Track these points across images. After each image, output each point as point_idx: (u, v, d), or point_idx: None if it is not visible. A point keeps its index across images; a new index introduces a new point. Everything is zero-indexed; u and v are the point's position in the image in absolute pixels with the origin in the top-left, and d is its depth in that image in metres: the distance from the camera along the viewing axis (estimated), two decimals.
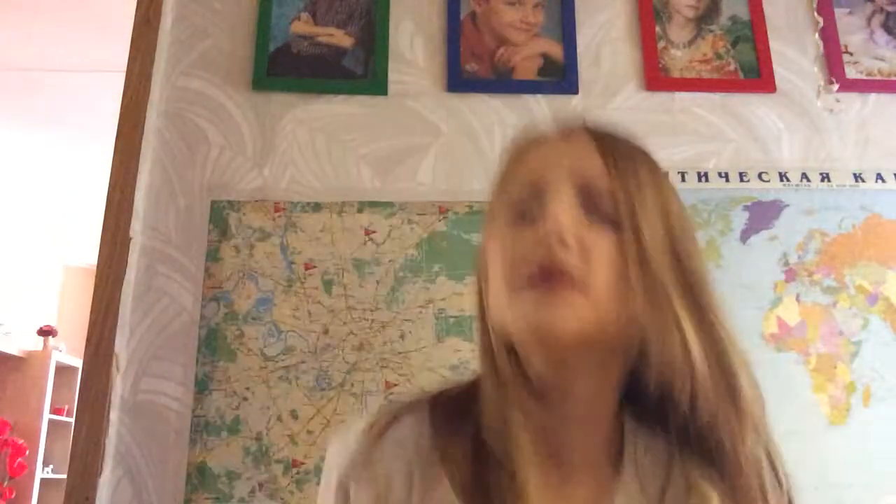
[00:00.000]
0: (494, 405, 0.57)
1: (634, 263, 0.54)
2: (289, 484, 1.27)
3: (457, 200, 1.45)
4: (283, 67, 1.54)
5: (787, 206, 1.51)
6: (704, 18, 1.65)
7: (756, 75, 1.60)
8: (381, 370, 1.34)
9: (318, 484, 0.67)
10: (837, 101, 1.61)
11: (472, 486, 0.56)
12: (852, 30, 1.67)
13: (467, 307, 1.36)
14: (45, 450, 4.01)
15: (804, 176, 1.53)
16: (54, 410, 4.10)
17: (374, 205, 1.45)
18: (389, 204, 1.45)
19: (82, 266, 4.82)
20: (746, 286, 1.45)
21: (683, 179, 1.51)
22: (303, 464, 1.28)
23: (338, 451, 0.64)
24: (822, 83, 1.62)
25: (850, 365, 1.41)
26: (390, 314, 1.37)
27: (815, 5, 1.67)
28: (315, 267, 1.40)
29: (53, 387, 4.08)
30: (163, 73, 1.52)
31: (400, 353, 1.35)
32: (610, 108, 1.55)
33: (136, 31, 1.52)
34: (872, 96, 1.62)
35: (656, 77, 1.58)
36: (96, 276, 1.37)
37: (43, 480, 3.96)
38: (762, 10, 1.65)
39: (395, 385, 1.33)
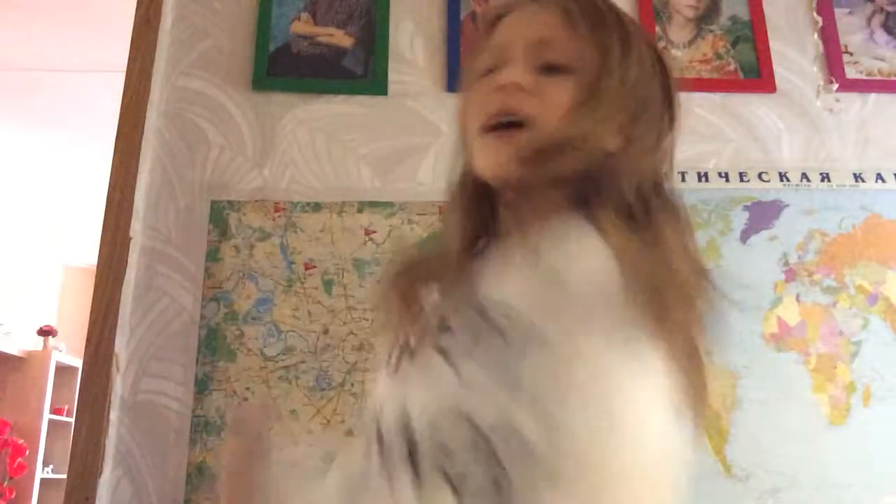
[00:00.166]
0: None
1: (586, 93, 0.60)
2: None
3: None
4: (283, 67, 1.54)
5: (787, 206, 1.51)
6: (704, 18, 1.65)
7: (756, 75, 1.60)
8: None
9: None
10: (837, 101, 1.61)
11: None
12: (852, 30, 1.67)
13: None
14: (45, 450, 4.01)
15: (804, 176, 1.53)
16: (54, 410, 4.10)
17: (374, 205, 1.45)
18: (389, 204, 1.45)
19: (82, 266, 4.82)
20: (746, 286, 1.44)
21: (683, 179, 1.51)
22: None
23: None
24: (822, 83, 1.62)
25: (850, 365, 1.41)
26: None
27: (814, 5, 1.67)
28: (315, 267, 1.40)
29: (53, 387, 4.07)
30: (163, 73, 1.52)
31: None
32: None
33: (136, 31, 1.52)
34: (872, 96, 1.62)
35: None
36: (96, 276, 1.37)
37: (43, 480, 3.96)
38: (762, 10, 1.65)
39: None
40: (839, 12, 1.67)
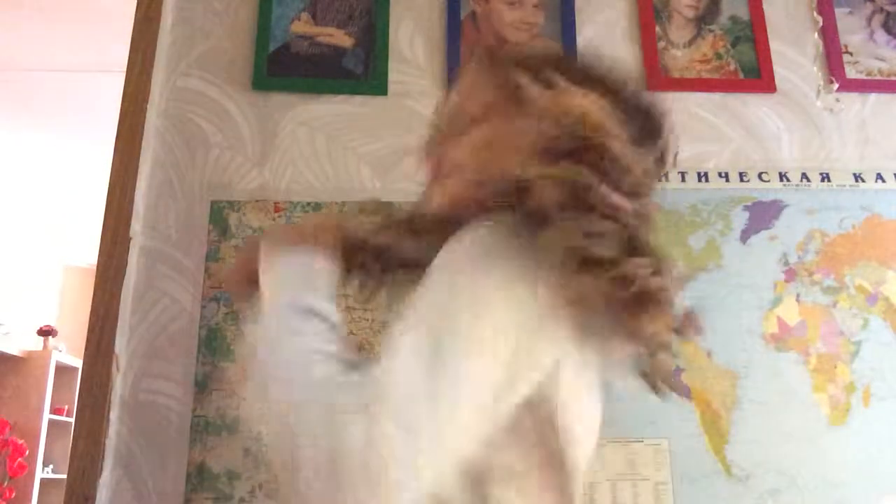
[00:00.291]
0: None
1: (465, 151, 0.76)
2: None
3: None
4: (283, 67, 1.54)
5: (787, 206, 1.51)
6: (704, 18, 1.65)
7: (756, 75, 1.60)
8: None
9: None
10: (837, 100, 1.61)
11: None
12: (852, 30, 1.67)
13: None
14: (45, 450, 4.00)
15: (804, 176, 1.53)
16: (54, 410, 4.09)
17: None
18: (389, 204, 1.44)
19: (82, 266, 4.81)
20: (746, 286, 1.45)
21: (683, 179, 1.51)
22: None
23: None
24: (822, 83, 1.62)
25: (850, 365, 1.41)
26: (390, 314, 1.37)
27: (814, 5, 1.67)
28: None
29: (53, 387, 4.07)
30: (163, 73, 1.52)
31: None
32: None
33: (136, 30, 1.52)
34: (872, 96, 1.62)
35: (656, 77, 1.58)
36: (96, 276, 1.37)
37: (43, 480, 3.96)
38: (762, 10, 1.65)
39: None
40: (839, 12, 1.67)
